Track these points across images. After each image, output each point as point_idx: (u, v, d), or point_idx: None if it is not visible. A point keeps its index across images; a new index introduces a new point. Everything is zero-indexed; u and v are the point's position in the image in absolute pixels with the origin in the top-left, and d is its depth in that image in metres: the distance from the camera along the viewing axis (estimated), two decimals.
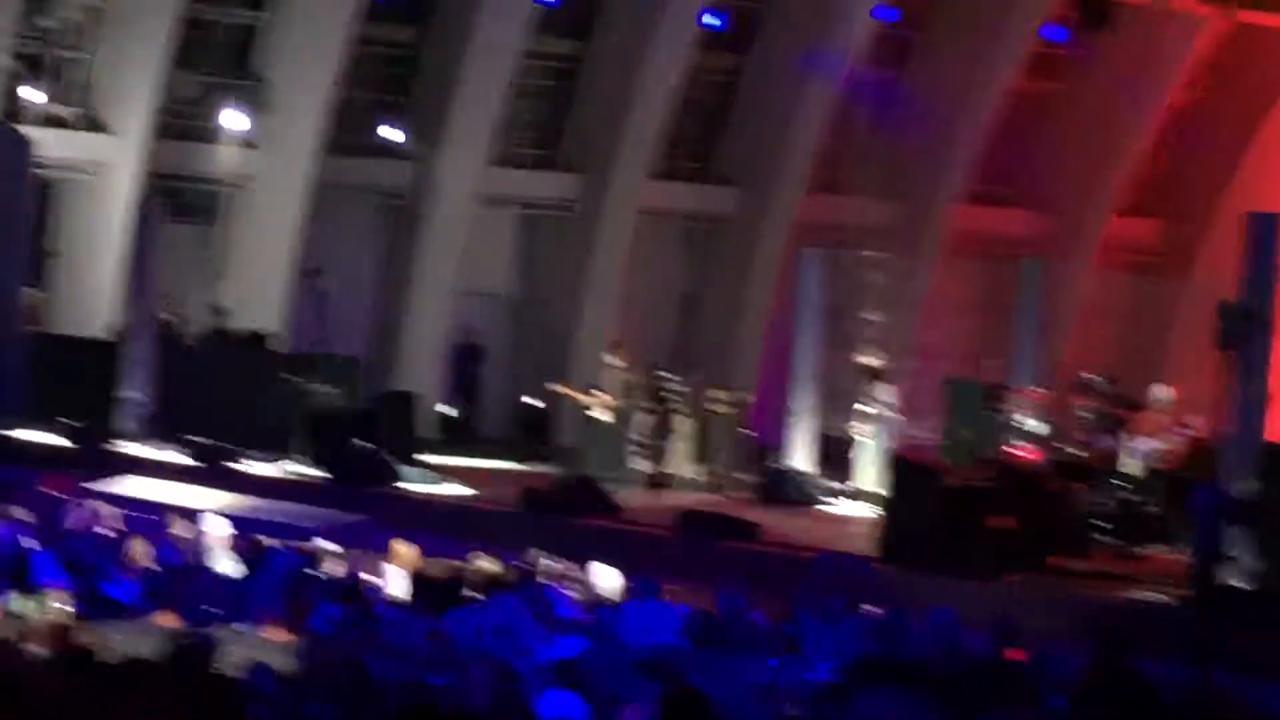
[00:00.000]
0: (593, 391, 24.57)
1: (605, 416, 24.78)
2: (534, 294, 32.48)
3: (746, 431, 26.35)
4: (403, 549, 16.06)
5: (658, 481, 25.03)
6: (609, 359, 24.43)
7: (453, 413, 29.17)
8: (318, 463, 24.00)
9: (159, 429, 26.04)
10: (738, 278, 32.30)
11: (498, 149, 31.20)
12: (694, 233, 33.33)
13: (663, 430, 25.43)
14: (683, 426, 25.52)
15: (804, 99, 31.73)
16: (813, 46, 31.12)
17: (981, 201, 33.52)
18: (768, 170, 32.03)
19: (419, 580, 15.69)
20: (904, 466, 20.70)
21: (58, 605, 11.54)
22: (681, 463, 25.44)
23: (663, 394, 25.68)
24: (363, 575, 15.81)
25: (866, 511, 22.35)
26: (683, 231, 33.30)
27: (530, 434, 29.53)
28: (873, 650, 13.05)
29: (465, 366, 29.27)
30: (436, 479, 23.69)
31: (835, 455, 24.78)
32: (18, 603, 11.75)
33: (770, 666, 12.74)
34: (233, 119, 29.80)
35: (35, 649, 10.10)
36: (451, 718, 7.20)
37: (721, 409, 26.03)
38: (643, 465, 25.28)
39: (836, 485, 24.32)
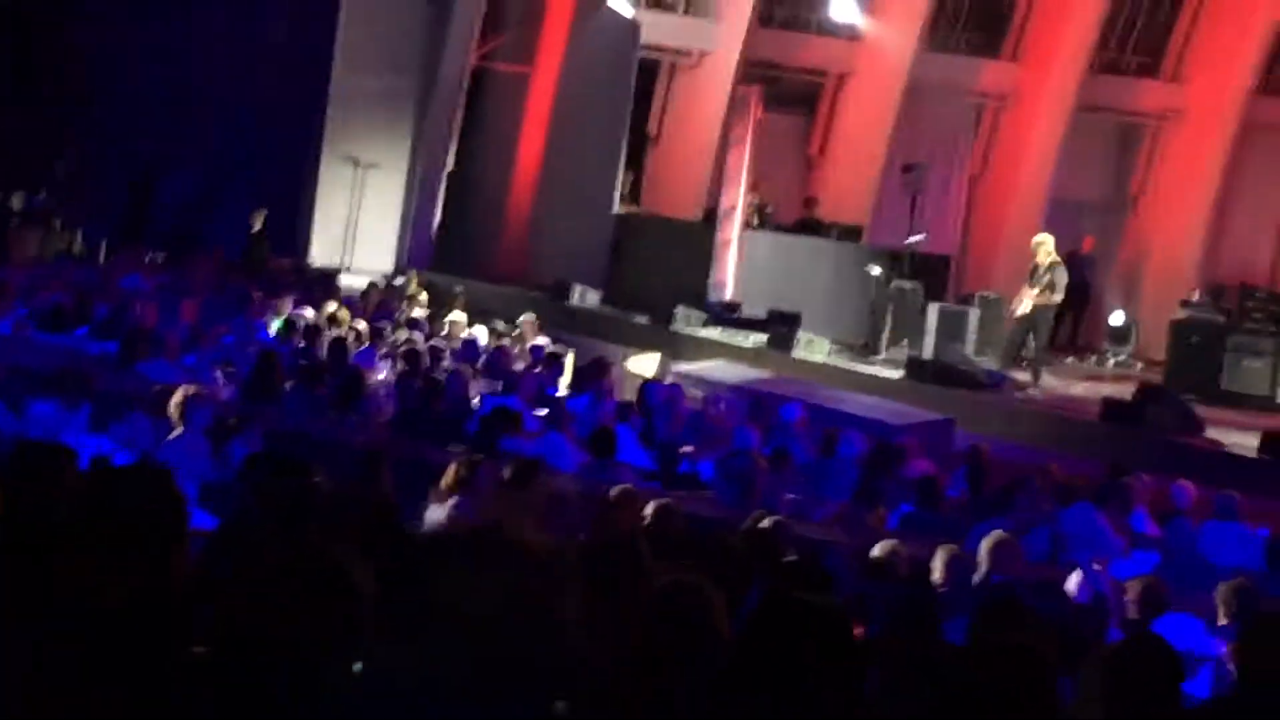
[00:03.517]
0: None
1: (1021, 312, 23.91)
2: (1123, 203, 31.85)
3: None
4: None
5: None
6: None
7: None
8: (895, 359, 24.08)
9: (743, 313, 26.49)
10: None
11: (1098, 56, 30.57)
12: None
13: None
14: (1270, 346, 24.60)
15: None
16: None
17: None
18: None
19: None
20: None
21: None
22: (1266, 382, 24.56)
23: (1253, 311, 24.82)
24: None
25: None
26: None
27: (1114, 342, 28.97)
28: None
29: (1078, 275, 28.71)
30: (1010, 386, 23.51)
31: None
32: None
33: None
34: (842, 10, 29.87)
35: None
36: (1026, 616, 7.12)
37: None
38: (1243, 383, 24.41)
39: None
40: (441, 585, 3.01)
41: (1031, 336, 23.74)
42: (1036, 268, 23.42)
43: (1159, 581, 10.53)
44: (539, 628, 2.99)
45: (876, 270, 25.43)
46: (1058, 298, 23.48)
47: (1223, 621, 9.99)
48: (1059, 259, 23.50)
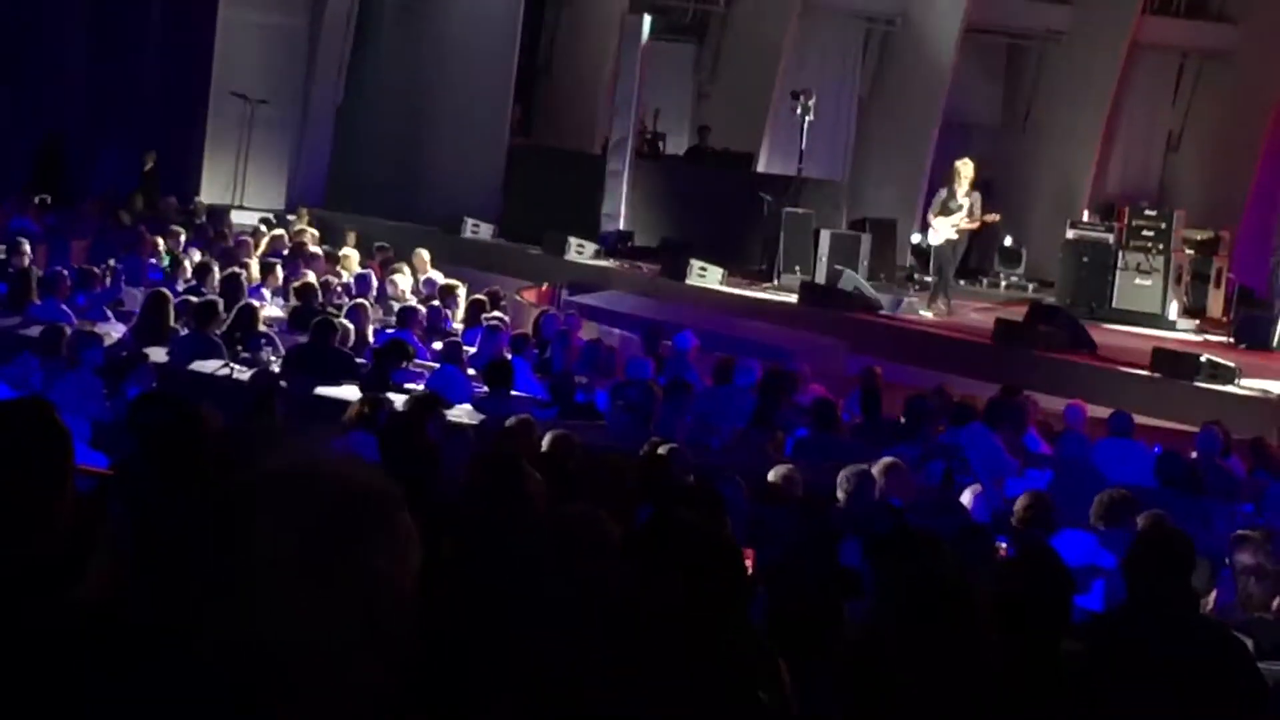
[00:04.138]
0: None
1: (936, 241, 23.87)
2: (1013, 124, 31.99)
3: (1224, 272, 25.57)
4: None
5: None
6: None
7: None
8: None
9: (635, 243, 26.49)
10: (1228, 116, 31.16)
11: None
12: (1186, 69, 32.28)
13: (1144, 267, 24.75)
14: (1156, 264, 24.79)
15: None
16: None
17: None
18: (1270, 10, 30.69)
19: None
20: None
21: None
22: (1156, 300, 24.76)
23: (1142, 230, 24.96)
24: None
25: None
26: (1174, 68, 32.25)
27: (1006, 264, 29.13)
28: None
29: None
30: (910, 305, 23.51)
31: None
32: None
33: (1244, 513, 12.42)
34: None
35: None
36: (923, 539, 7.16)
37: (1199, 249, 25.31)
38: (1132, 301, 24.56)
39: None
40: (251, 532, 2.74)
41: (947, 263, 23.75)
42: (954, 193, 23.36)
43: (1044, 496, 10.68)
44: (352, 576, 2.70)
45: (768, 197, 25.47)
46: (992, 216, 23.62)
47: (1098, 528, 10.13)
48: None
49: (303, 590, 2.69)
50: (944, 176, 24.05)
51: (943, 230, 23.30)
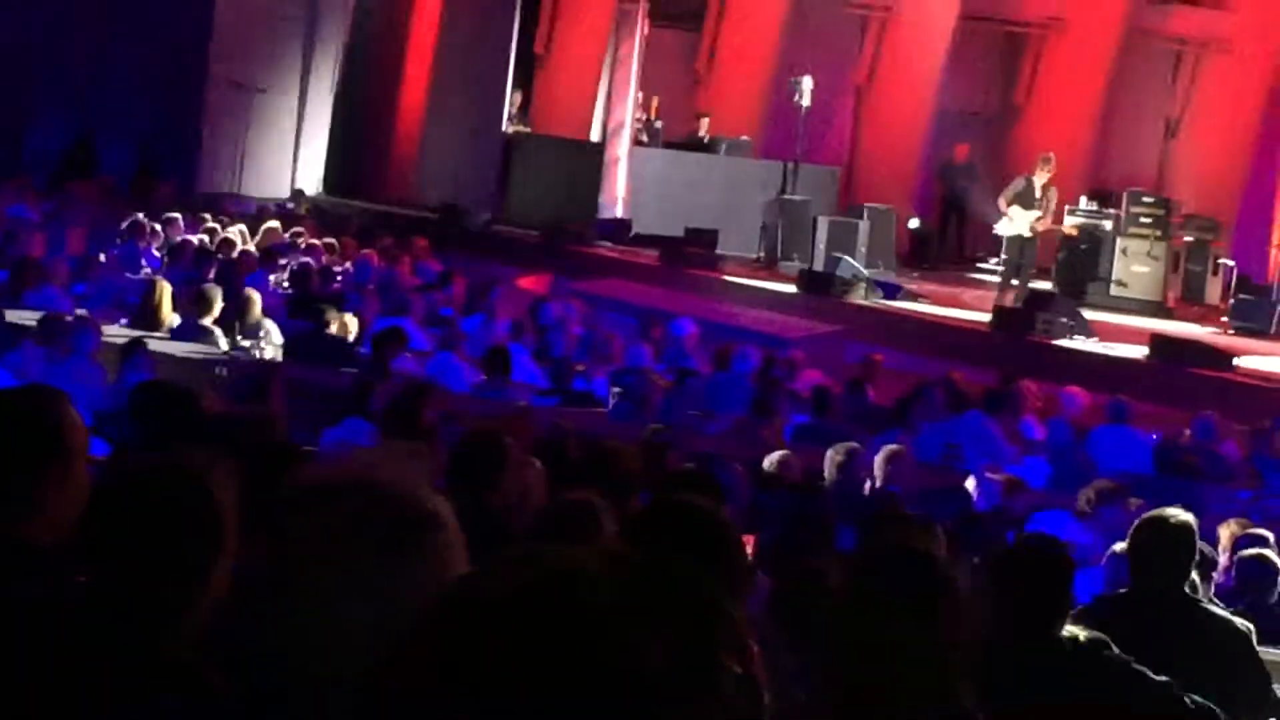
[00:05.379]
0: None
1: (1009, 231, 23.73)
2: (1009, 112, 31.95)
3: (1223, 260, 25.56)
4: None
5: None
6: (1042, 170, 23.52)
7: (918, 226, 28.71)
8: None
9: (634, 231, 26.48)
10: (1227, 104, 31.14)
11: None
12: (1184, 56, 32.23)
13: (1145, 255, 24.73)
14: (1157, 251, 24.79)
15: None
16: None
17: None
18: None
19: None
20: None
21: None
22: (1154, 287, 24.76)
23: (1141, 217, 24.96)
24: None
25: None
26: (1173, 55, 32.20)
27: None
28: None
29: (951, 185, 28.70)
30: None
31: None
32: None
33: (1241, 499, 12.45)
34: None
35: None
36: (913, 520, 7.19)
37: (1197, 235, 25.32)
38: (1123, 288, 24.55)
39: None
40: (301, 543, 2.67)
41: (1025, 256, 23.64)
42: (1033, 185, 23.20)
43: (1016, 480, 10.80)
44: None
45: (766, 184, 25.48)
46: (1070, 229, 23.42)
47: (1085, 515, 10.17)
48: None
49: (343, 595, 2.63)
50: (1030, 165, 23.82)
51: (1019, 222, 23.15)
